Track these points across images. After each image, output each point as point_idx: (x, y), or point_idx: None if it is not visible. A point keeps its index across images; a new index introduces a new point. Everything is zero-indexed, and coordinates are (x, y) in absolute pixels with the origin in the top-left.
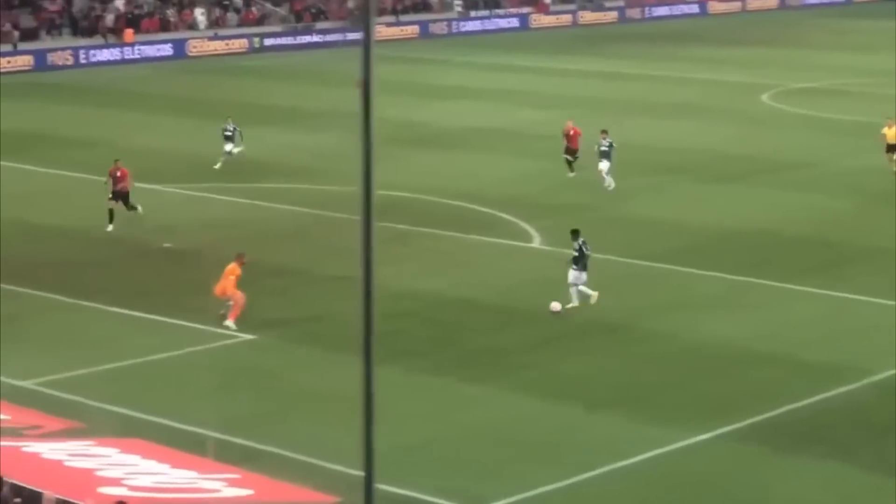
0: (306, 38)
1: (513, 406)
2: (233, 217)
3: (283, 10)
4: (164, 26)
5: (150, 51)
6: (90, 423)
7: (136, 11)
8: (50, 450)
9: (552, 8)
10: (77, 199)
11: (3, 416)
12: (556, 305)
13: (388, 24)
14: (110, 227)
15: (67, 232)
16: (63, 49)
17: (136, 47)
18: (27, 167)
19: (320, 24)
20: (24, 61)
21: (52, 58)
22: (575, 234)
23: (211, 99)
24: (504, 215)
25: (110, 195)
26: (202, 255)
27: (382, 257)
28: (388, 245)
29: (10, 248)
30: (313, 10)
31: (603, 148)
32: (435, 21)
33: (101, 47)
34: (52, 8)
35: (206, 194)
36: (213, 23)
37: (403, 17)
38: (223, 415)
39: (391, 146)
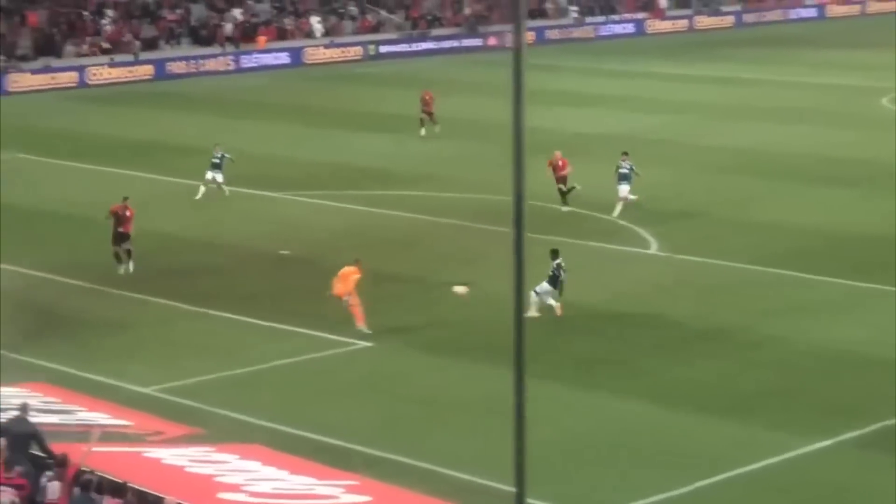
0: (422, 45)
1: (629, 412)
2: (349, 224)
3: (398, 18)
4: (281, 35)
5: (266, 59)
6: (210, 429)
7: (254, 20)
8: (171, 455)
9: (668, 13)
10: (195, 206)
11: (126, 422)
12: (460, 289)
13: (505, 31)
14: (122, 270)
15: (186, 239)
16: (182, 58)
17: (254, 56)
18: (147, 175)
19: (436, 31)
20: (145, 70)
21: (171, 67)
22: (554, 254)
23: (327, 106)
24: (622, 222)
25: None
26: (319, 262)
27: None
28: (509, 252)
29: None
30: (429, 17)
31: (623, 171)
32: (551, 27)
33: (219, 56)
34: (172, 17)
35: (322, 202)
36: (329, 31)
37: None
38: (342, 421)
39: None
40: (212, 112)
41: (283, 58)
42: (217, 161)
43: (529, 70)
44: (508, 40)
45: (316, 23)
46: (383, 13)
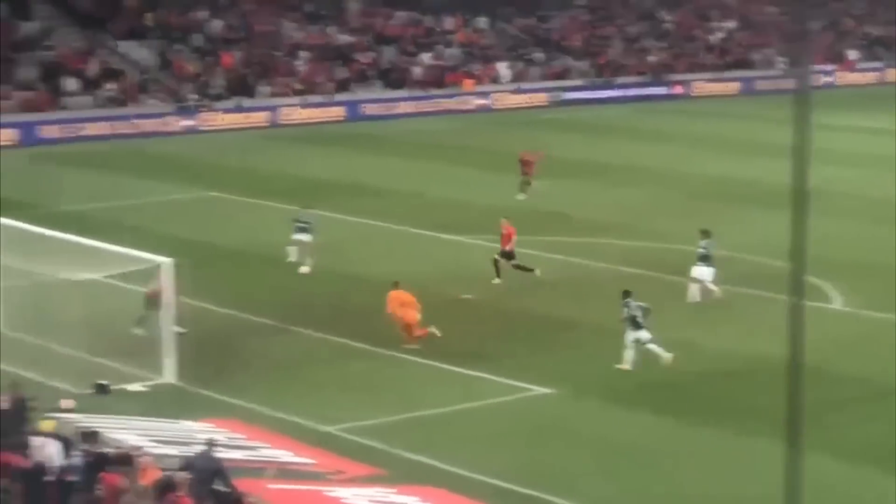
0: (607, 93)
1: (812, 467)
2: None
3: (584, 65)
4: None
5: (453, 103)
6: (392, 470)
7: (443, 64)
8: (353, 495)
9: (858, 65)
10: (381, 248)
11: (308, 460)
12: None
13: (710, 80)
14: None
15: (370, 280)
16: (373, 100)
17: (439, 100)
18: (336, 215)
19: (621, 79)
20: (336, 112)
21: (362, 108)
22: (625, 294)
23: (513, 151)
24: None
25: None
26: (501, 307)
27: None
28: (713, 306)
29: (316, 295)
30: (614, 65)
31: (700, 251)
32: (758, 78)
33: (409, 99)
34: (364, 60)
35: (495, 245)
36: (517, 76)
37: (726, 74)
38: (521, 467)
39: (712, 201)
40: (400, 154)
41: (471, 103)
42: (303, 226)
43: (733, 120)
44: (693, 89)
45: (503, 68)
46: (570, 60)
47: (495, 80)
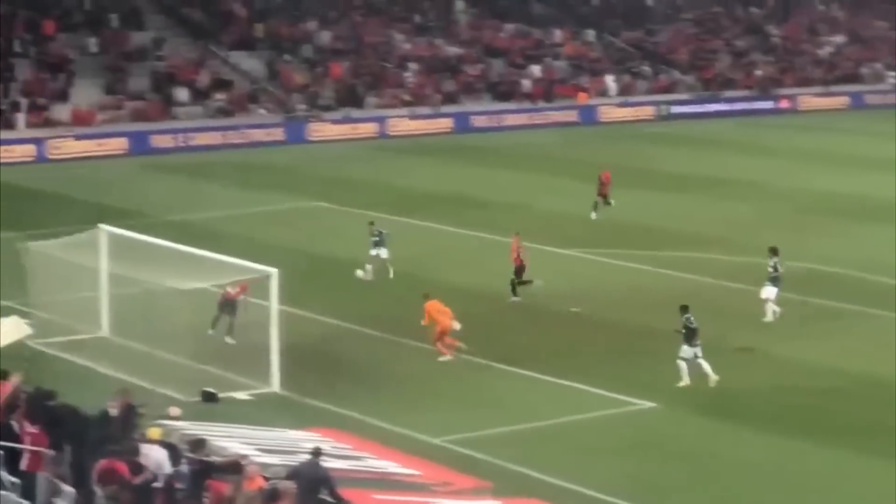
0: (713, 107)
1: None
2: (638, 283)
3: (691, 79)
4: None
5: (561, 116)
6: (498, 482)
7: (552, 77)
8: None
9: None
10: (488, 260)
11: (414, 471)
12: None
13: (818, 95)
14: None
15: (477, 293)
16: (481, 113)
17: (547, 112)
18: (442, 227)
19: (727, 93)
20: (444, 124)
21: (470, 120)
22: (683, 309)
23: (619, 165)
24: None
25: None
26: (608, 320)
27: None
28: (807, 319)
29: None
30: (721, 79)
31: (770, 270)
32: (868, 92)
33: (517, 111)
34: (473, 73)
35: (610, 260)
36: (623, 90)
37: (834, 88)
38: (624, 480)
39: (819, 216)
40: (508, 166)
41: (576, 115)
42: (377, 239)
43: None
44: (800, 103)
45: (611, 81)
46: (676, 74)
47: (602, 92)
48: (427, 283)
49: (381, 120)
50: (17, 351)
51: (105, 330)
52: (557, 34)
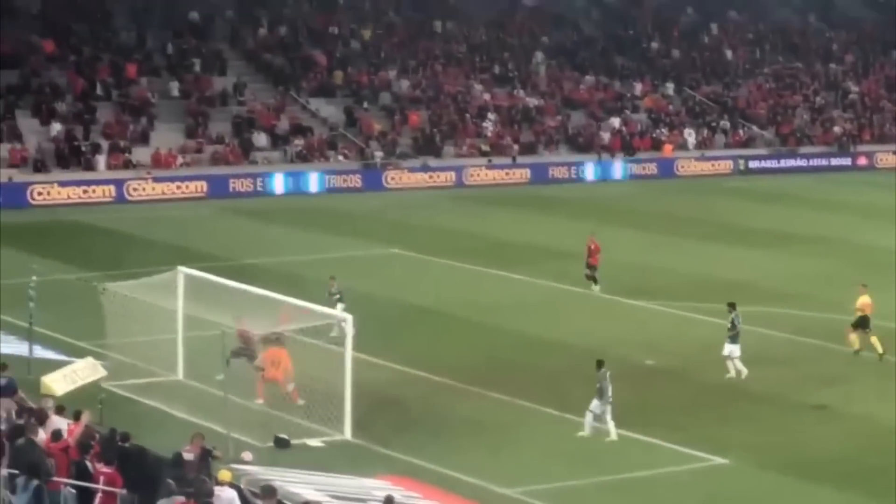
0: (791, 162)
1: None
2: (714, 337)
3: (768, 134)
4: (656, 146)
5: (639, 168)
6: None
7: (631, 130)
8: None
9: None
10: (565, 310)
11: None
12: None
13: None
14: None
15: (553, 342)
16: (558, 164)
17: (626, 164)
18: (521, 277)
19: (804, 149)
20: (522, 174)
21: (548, 171)
22: (599, 364)
23: (696, 218)
24: None
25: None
26: (683, 374)
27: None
28: (883, 377)
29: (497, 355)
30: (798, 135)
31: (728, 326)
32: None
33: (595, 163)
34: (551, 124)
35: (687, 313)
36: (701, 144)
37: None
38: None
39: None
40: (585, 217)
41: (653, 168)
42: (338, 296)
43: None
44: (878, 160)
45: (689, 135)
46: (754, 129)
47: (681, 146)
48: (499, 332)
49: (458, 169)
50: (93, 392)
51: (180, 373)
52: (637, 87)
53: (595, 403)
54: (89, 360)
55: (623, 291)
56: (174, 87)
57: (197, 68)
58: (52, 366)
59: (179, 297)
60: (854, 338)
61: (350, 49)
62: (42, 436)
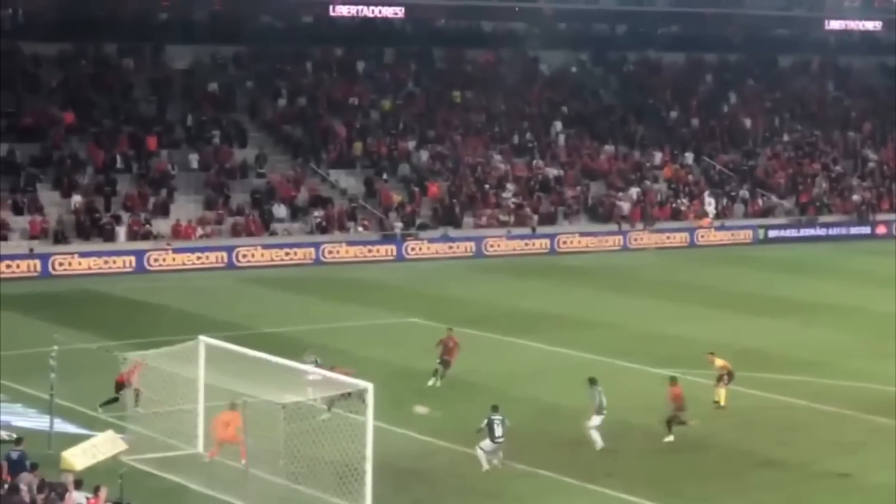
0: (810, 231)
1: None
2: (733, 405)
3: (787, 203)
4: (675, 215)
5: (658, 238)
6: None
7: (650, 200)
8: None
9: None
10: (583, 379)
11: None
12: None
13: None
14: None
15: (572, 411)
16: (578, 234)
17: (641, 234)
18: (538, 345)
19: (824, 218)
20: (541, 244)
21: (566, 241)
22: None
23: (715, 287)
24: None
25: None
26: (701, 442)
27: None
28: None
29: (521, 426)
30: (817, 204)
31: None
32: None
33: (613, 234)
34: (571, 194)
35: (707, 381)
36: (721, 213)
37: None
38: None
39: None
40: (603, 287)
41: (676, 238)
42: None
43: None
44: None
45: (708, 206)
46: (774, 198)
47: (698, 216)
48: (518, 400)
49: (478, 239)
50: (113, 467)
51: (200, 446)
52: (657, 156)
53: (596, 419)
54: (109, 433)
55: (642, 359)
56: (194, 159)
57: (216, 140)
58: (73, 440)
59: (201, 366)
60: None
61: (369, 120)
62: None
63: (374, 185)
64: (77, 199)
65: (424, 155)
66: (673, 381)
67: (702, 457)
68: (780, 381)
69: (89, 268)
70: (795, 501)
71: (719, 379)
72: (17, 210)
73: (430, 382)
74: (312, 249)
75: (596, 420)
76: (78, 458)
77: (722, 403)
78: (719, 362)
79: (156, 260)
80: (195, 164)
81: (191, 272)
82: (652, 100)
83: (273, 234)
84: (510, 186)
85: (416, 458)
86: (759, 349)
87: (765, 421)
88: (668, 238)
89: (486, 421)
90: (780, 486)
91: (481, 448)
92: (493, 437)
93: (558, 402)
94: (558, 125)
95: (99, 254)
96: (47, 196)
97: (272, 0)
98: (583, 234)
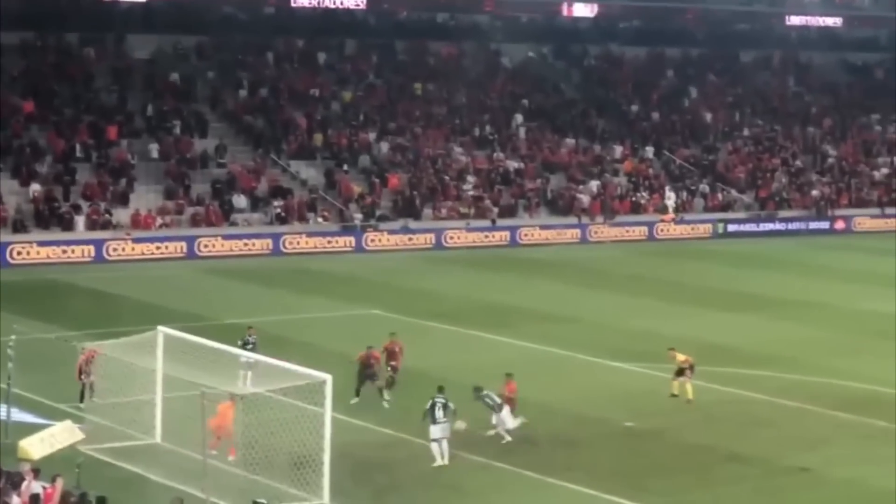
0: (769, 226)
1: None
2: (695, 400)
3: (747, 198)
4: (635, 209)
5: (618, 232)
6: None
7: (610, 193)
8: None
9: None
10: (544, 372)
11: None
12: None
13: (873, 217)
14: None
15: (534, 405)
16: (537, 226)
17: (599, 227)
18: (497, 338)
19: (783, 213)
20: (501, 236)
21: (526, 234)
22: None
23: (675, 281)
24: None
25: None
26: (663, 436)
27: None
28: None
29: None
30: (777, 199)
31: (488, 401)
32: None
33: (573, 227)
34: (531, 187)
35: (668, 375)
36: (681, 207)
37: (890, 210)
38: None
39: (873, 338)
40: (564, 280)
41: (635, 232)
42: (251, 347)
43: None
44: (855, 224)
45: (668, 199)
46: (733, 192)
47: (659, 210)
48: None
49: (438, 231)
50: (71, 456)
51: (158, 436)
52: (617, 150)
53: (504, 416)
54: (67, 423)
55: (598, 352)
56: (154, 149)
57: (177, 130)
58: (30, 429)
59: (159, 357)
60: (677, 384)
61: (330, 111)
62: (16, 500)
63: (334, 177)
64: (36, 187)
65: (385, 146)
66: (509, 376)
67: (665, 451)
68: (743, 376)
69: (48, 257)
70: (759, 495)
71: (679, 373)
72: None
73: (386, 398)
74: (272, 240)
75: (506, 417)
76: (35, 447)
77: (689, 397)
78: (680, 357)
79: (115, 250)
80: (155, 154)
81: (150, 262)
82: (613, 94)
83: (233, 224)
84: (470, 179)
85: (375, 449)
86: (722, 344)
87: (728, 415)
88: (628, 231)
89: (429, 403)
90: (743, 480)
91: (432, 438)
92: (433, 419)
93: (521, 395)
94: (519, 118)
95: (58, 243)
96: (6, 184)
97: None
98: (543, 227)
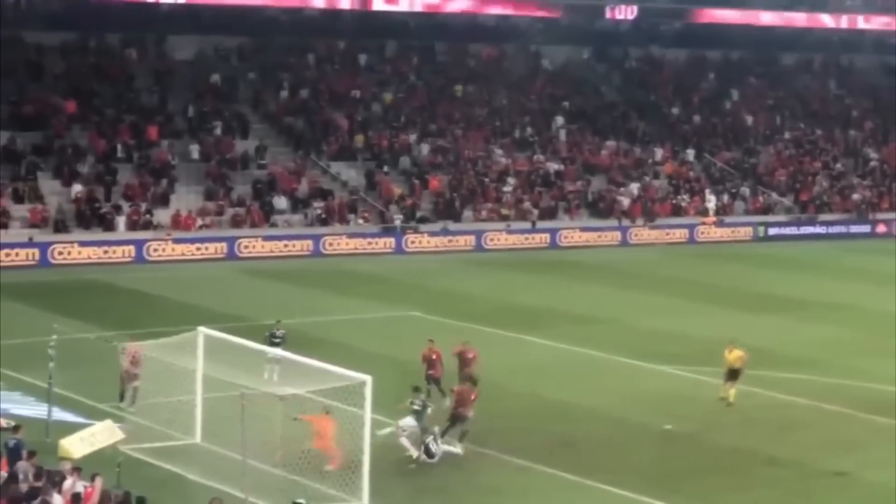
0: (810, 229)
1: None
2: (734, 404)
3: (788, 201)
4: (676, 211)
5: (658, 235)
6: None
7: (651, 196)
8: None
9: None
10: (583, 375)
11: None
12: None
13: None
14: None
15: (572, 407)
16: (578, 229)
17: (641, 230)
18: (539, 341)
19: (824, 216)
20: (541, 238)
21: (566, 236)
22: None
23: (715, 284)
24: None
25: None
26: (701, 439)
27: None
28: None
29: (521, 421)
30: (818, 202)
31: (415, 407)
32: None
33: (613, 229)
34: (571, 189)
35: (707, 378)
36: (721, 210)
37: None
38: None
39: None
40: (603, 282)
41: (676, 235)
42: (278, 340)
43: None
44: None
45: (709, 202)
46: (774, 195)
47: (701, 212)
48: (517, 395)
49: (478, 233)
50: (111, 455)
51: (198, 436)
52: (658, 152)
53: (409, 420)
54: (108, 422)
55: (639, 355)
56: (195, 150)
57: (218, 131)
58: (71, 428)
59: (199, 357)
60: (728, 389)
61: (371, 112)
62: (57, 499)
63: (374, 178)
64: (77, 188)
65: (425, 148)
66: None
67: (701, 453)
68: (781, 379)
69: (89, 257)
70: (794, 499)
71: (731, 375)
72: (18, 198)
73: (387, 431)
74: (312, 241)
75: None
76: (76, 446)
77: (731, 401)
78: (738, 352)
79: (155, 250)
80: (196, 155)
81: (190, 263)
82: (654, 96)
83: (273, 225)
84: (511, 180)
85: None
86: (761, 347)
87: (765, 419)
88: (668, 234)
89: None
90: (778, 484)
91: (404, 428)
92: (419, 419)
93: (556, 397)
94: (560, 120)
95: (98, 243)
96: (48, 185)
97: None
98: (583, 229)
